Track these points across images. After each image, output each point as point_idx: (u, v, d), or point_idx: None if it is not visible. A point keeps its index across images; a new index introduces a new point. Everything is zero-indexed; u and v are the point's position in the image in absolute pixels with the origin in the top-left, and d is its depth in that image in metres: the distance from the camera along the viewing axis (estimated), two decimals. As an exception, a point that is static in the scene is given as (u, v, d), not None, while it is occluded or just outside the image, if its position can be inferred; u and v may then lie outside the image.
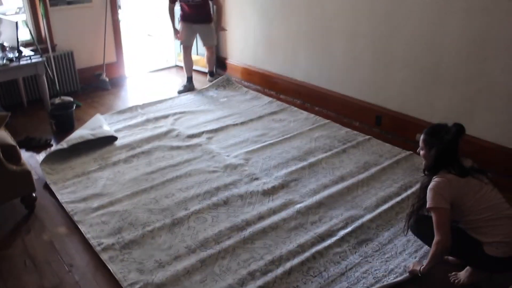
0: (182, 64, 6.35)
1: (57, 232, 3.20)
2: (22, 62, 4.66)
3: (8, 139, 3.41)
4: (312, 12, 5.02)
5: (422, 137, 2.62)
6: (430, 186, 2.47)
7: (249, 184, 3.63)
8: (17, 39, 4.79)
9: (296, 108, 5.20)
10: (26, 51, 4.93)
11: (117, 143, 4.38)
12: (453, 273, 2.71)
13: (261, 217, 3.21)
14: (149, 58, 7.61)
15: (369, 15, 4.45)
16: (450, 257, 2.81)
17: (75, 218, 3.28)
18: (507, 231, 2.37)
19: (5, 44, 4.95)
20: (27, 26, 5.49)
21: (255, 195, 3.49)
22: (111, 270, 2.76)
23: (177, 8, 5.82)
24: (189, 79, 6.05)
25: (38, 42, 5.42)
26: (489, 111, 3.76)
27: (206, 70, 6.32)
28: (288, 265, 2.77)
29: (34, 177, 3.50)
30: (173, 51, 7.03)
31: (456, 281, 2.67)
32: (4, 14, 5.49)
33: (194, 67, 6.27)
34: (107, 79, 6.16)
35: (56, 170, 3.95)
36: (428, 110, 4.19)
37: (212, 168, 3.88)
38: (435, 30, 3.95)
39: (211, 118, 4.96)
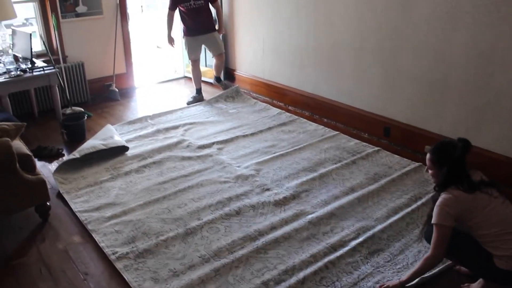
0: (190, 75, 6.41)
1: (72, 240, 3.24)
2: (35, 73, 4.73)
3: (24, 148, 3.47)
4: (321, 26, 5.09)
5: (429, 157, 2.61)
6: (437, 203, 2.48)
7: (260, 195, 3.67)
8: (31, 50, 4.87)
9: (305, 120, 5.24)
10: (39, 62, 5.01)
11: (129, 153, 4.44)
12: (466, 284, 2.73)
13: (273, 227, 3.24)
14: (158, 69, 7.69)
15: (377, 29, 4.50)
16: (462, 268, 2.82)
17: (89, 227, 3.32)
18: None
19: (18, 55, 5.02)
20: (42, 38, 5.57)
21: (267, 205, 3.52)
22: (126, 279, 2.79)
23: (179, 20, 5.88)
24: (198, 91, 6.11)
25: (50, 53, 5.50)
26: (497, 123, 3.79)
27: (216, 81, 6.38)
28: (301, 274, 2.79)
29: (47, 186, 3.55)
30: (181, 62, 7.10)
31: (468, 292, 2.69)
32: (11, 24, 5.57)
33: (203, 79, 6.33)
34: (117, 90, 6.23)
35: (69, 180, 4.00)
36: (437, 122, 4.23)
37: (223, 179, 3.92)
38: (442, 43, 4.00)
39: (220, 129, 5.01)
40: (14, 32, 5.24)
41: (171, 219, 3.36)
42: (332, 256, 2.94)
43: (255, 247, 3.04)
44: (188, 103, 5.93)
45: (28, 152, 3.41)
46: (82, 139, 4.81)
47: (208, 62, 6.63)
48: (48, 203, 3.49)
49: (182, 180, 3.91)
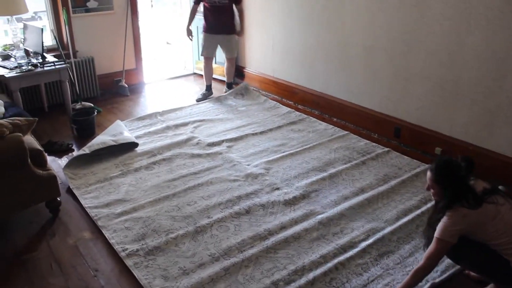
0: (199, 72, 6.41)
1: (82, 236, 3.26)
2: (46, 68, 4.73)
3: (35, 143, 3.48)
4: (332, 25, 5.07)
5: (430, 176, 2.54)
6: (443, 220, 2.45)
7: (270, 194, 3.67)
8: (42, 45, 4.88)
9: (314, 119, 5.23)
10: (50, 57, 5.02)
11: (138, 149, 4.44)
12: (476, 289, 2.72)
13: (283, 227, 3.24)
14: (167, 65, 7.70)
15: (389, 29, 4.48)
16: (472, 273, 2.81)
17: (99, 223, 3.33)
18: None
19: (29, 49, 5.03)
20: (53, 34, 5.58)
21: (276, 205, 3.52)
22: (136, 276, 2.80)
23: (200, 17, 5.88)
24: (208, 87, 6.12)
25: (61, 48, 5.50)
26: (509, 126, 3.77)
27: (224, 79, 6.36)
28: (311, 275, 2.79)
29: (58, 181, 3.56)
30: (191, 58, 7.10)
31: (479, 297, 2.68)
32: (21, 18, 5.58)
33: (213, 76, 6.31)
34: (126, 86, 6.24)
35: (79, 175, 4.01)
36: (447, 123, 4.21)
37: (233, 177, 3.92)
38: (455, 45, 3.97)
39: (230, 127, 5.01)
40: (25, 27, 5.24)
41: (180, 216, 3.37)
42: (342, 257, 2.94)
43: (265, 246, 3.04)
44: (198, 100, 5.93)
45: (39, 147, 3.42)
46: (92, 135, 4.82)
47: (218, 59, 6.62)
48: (58, 199, 3.51)
49: (192, 178, 3.91)
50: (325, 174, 3.98)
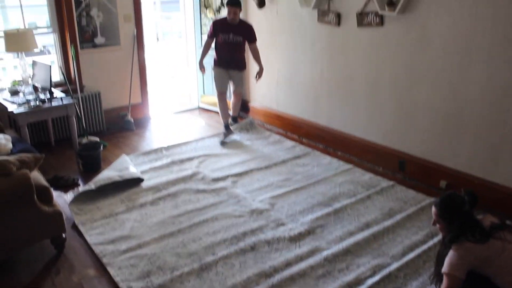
0: (205, 106, 6.42)
1: (86, 273, 3.24)
2: (53, 104, 4.80)
3: (42, 180, 3.50)
4: (336, 59, 5.14)
5: (435, 211, 2.58)
6: (449, 254, 2.45)
7: (275, 230, 3.66)
8: (50, 82, 4.97)
9: (319, 153, 5.25)
10: (57, 93, 5.09)
11: (143, 184, 4.46)
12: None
13: (288, 264, 3.22)
14: (173, 99, 7.78)
15: (392, 63, 4.54)
16: None
17: (104, 260, 3.32)
18: None
19: (38, 85, 5.12)
20: (61, 69, 5.68)
21: (281, 241, 3.50)
22: (141, 315, 2.78)
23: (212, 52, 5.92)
24: (227, 126, 5.90)
25: (68, 83, 5.58)
26: (514, 159, 3.78)
27: (230, 112, 6.38)
28: (317, 314, 2.76)
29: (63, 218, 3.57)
30: (196, 93, 7.18)
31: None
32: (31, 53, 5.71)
33: (214, 108, 6.30)
34: (132, 120, 6.30)
35: (84, 211, 4.02)
36: (452, 156, 4.22)
37: (238, 213, 3.92)
38: (457, 79, 4.02)
39: (235, 162, 5.03)
40: (34, 63, 5.36)
41: (186, 253, 3.36)
42: (348, 295, 2.92)
43: (270, 284, 3.01)
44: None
45: (45, 184, 3.44)
46: (97, 169, 4.85)
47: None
48: (63, 235, 3.51)
49: (197, 214, 3.91)
50: (330, 209, 3.97)
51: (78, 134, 5.25)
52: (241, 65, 5.79)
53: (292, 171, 4.78)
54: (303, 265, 3.20)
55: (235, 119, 6.20)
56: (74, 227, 3.83)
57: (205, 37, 5.97)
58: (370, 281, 3.04)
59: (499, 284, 2.40)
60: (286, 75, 5.90)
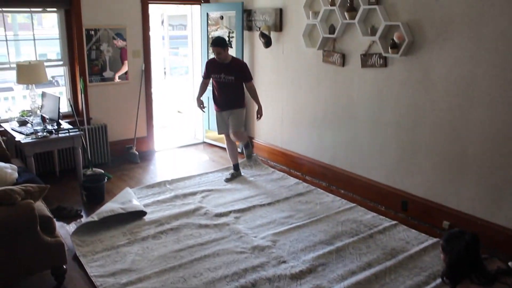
0: (209, 141, 6.43)
1: (86, 307, 3.23)
2: (60, 135, 4.87)
3: (45, 210, 3.53)
4: (340, 99, 5.21)
5: (441, 242, 2.66)
6: None
7: (276, 267, 3.64)
8: (58, 113, 5.05)
9: (322, 191, 5.26)
10: (65, 124, 5.17)
11: (146, 218, 4.47)
12: None
13: (289, 302, 3.20)
14: (178, 134, 7.85)
15: (395, 104, 4.61)
16: None
17: (104, 293, 3.30)
18: None
19: (46, 116, 5.19)
20: (69, 102, 5.78)
21: (283, 279, 3.48)
22: None
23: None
24: (236, 167, 5.77)
25: (75, 115, 5.67)
26: (518, 201, 3.79)
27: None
28: None
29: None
30: (201, 127, 7.24)
31: None
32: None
33: (218, 143, 6.32)
34: (137, 153, 6.35)
35: (86, 242, 4.02)
36: (455, 197, 4.22)
37: (240, 249, 3.91)
38: (459, 120, 4.07)
39: (238, 197, 5.05)
40: (44, 94, 5.46)
41: (186, 288, 3.34)
42: (349, 336, 2.88)
43: (270, 322, 2.99)
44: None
45: (49, 214, 3.46)
46: (101, 201, 4.87)
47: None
48: (64, 266, 3.50)
49: (199, 249, 3.91)
50: (332, 247, 3.96)
51: (83, 166, 5.29)
52: (236, 105, 5.51)
53: (294, 208, 4.79)
54: (304, 303, 3.18)
55: (247, 145, 5.97)
56: (75, 258, 3.83)
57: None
58: (371, 322, 3.02)
59: None
60: (291, 113, 5.97)
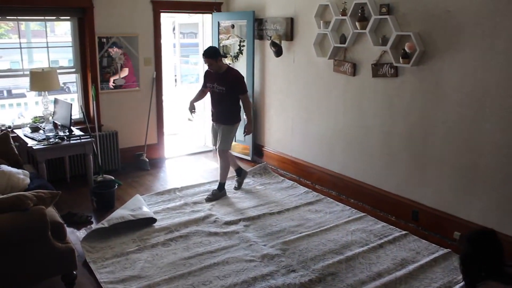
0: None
1: (95, 313, 3.23)
2: (72, 142, 4.91)
3: (56, 216, 3.55)
4: (350, 108, 5.21)
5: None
6: None
7: (286, 276, 3.63)
8: (70, 119, 5.09)
9: (331, 200, 5.25)
10: (76, 131, 5.21)
11: (156, 225, 4.48)
12: None
13: (298, 312, 3.19)
14: (188, 141, 7.87)
15: (406, 115, 4.60)
16: None
17: (113, 300, 3.31)
18: None
19: (58, 122, 5.24)
20: (82, 109, 5.83)
21: (292, 287, 3.47)
22: None
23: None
24: (238, 172, 5.66)
25: (87, 122, 5.72)
26: (530, 213, 3.75)
27: (244, 156, 6.40)
28: None
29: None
30: (211, 135, 7.23)
31: None
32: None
33: (234, 153, 6.30)
34: (147, 160, 6.38)
35: (96, 249, 4.04)
36: (466, 208, 4.19)
37: (249, 257, 3.90)
38: (471, 132, 4.05)
39: (248, 206, 5.05)
40: (56, 101, 5.52)
41: (195, 296, 3.34)
42: None
43: (279, 331, 2.98)
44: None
45: (60, 220, 3.48)
46: (111, 208, 4.89)
47: (237, 137, 6.72)
48: (74, 272, 3.51)
49: (208, 256, 3.91)
50: (341, 257, 3.94)
51: (93, 172, 5.32)
52: (226, 120, 5.26)
53: (304, 217, 4.78)
54: (313, 313, 3.17)
55: (221, 187, 5.37)
56: (85, 264, 3.85)
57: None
58: (381, 333, 3.00)
59: None
60: (301, 122, 5.98)
